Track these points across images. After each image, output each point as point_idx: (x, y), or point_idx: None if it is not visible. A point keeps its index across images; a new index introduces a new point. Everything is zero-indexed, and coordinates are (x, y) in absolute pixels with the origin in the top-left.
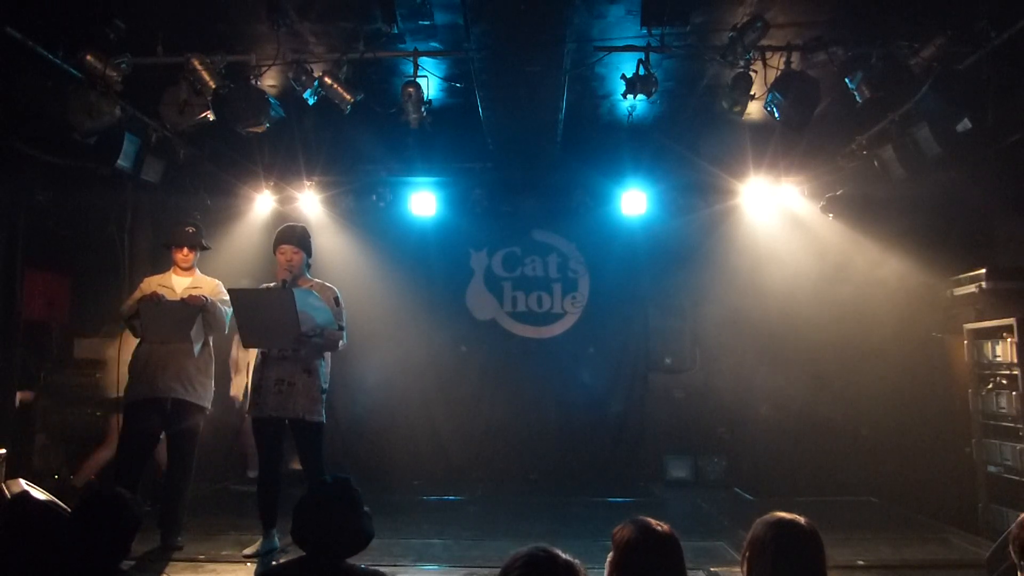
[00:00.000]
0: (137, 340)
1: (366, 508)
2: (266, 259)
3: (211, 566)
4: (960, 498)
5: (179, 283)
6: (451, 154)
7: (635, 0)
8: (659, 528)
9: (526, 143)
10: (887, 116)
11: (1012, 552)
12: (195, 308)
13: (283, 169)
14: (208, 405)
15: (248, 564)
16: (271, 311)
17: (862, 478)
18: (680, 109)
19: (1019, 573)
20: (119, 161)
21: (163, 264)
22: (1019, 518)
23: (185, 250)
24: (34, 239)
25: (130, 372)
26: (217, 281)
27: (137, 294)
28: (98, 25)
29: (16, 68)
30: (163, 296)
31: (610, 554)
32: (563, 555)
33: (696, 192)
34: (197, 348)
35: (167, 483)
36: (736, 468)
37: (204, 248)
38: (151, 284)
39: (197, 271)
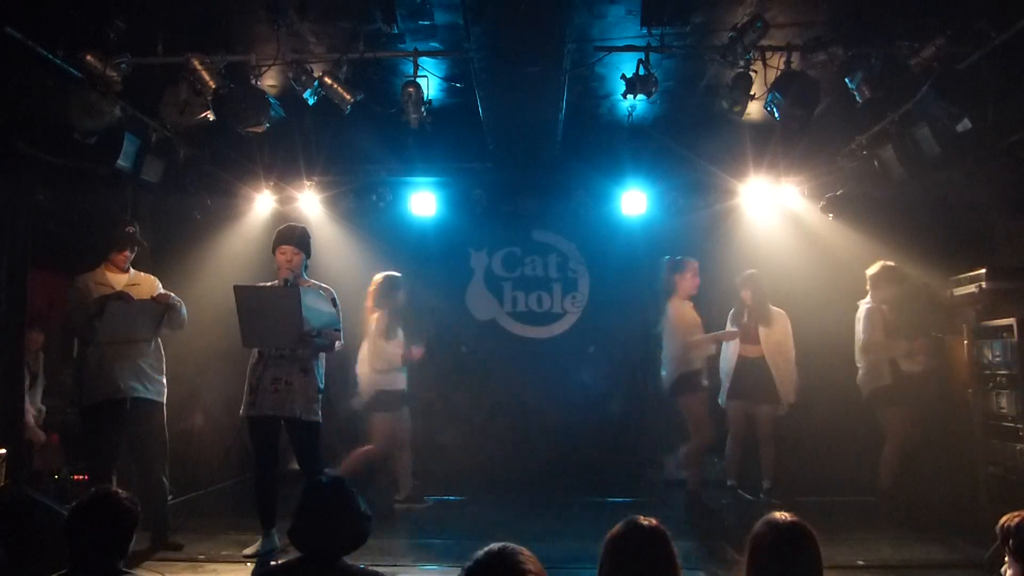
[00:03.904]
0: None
1: (363, 507)
2: (266, 259)
3: (211, 566)
4: (960, 498)
5: (117, 280)
6: (451, 154)
7: (635, 0)
8: (646, 522)
9: (526, 143)
10: (887, 116)
11: (999, 536)
12: (163, 306)
13: (283, 169)
14: (164, 400)
15: (248, 564)
16: (275, 309)
17: (862, 478)
18: (680, 109)
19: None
20: (119, 161)
21: (163, 263)
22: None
23: (127, 252)
24: (34, 239)
25: (82, 375)
26: (155, 277)
27: (88, 293)
28: (98, 25)
29: (16, 68)
30: (130, 295)
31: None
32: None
33: (696, 192)
34: (152, 345)
35: (148, 484)
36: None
37: (142, 246)
38: (88, 283)
39: (131, 268)
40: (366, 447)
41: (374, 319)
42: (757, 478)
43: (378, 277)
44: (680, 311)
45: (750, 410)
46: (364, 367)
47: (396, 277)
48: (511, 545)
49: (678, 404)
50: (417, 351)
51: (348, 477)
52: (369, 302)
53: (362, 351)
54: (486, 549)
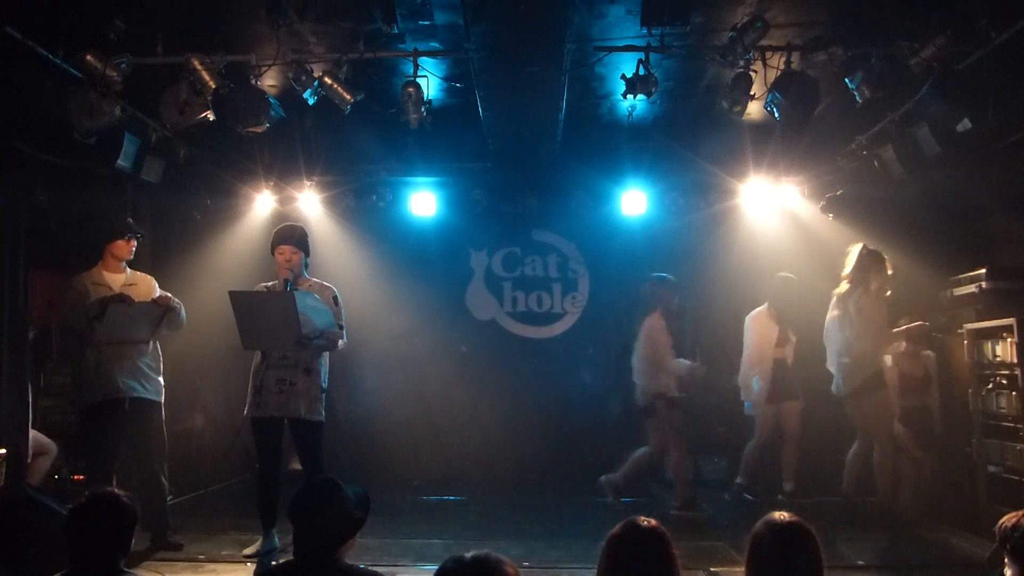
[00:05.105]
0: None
1: (352, 500)
2: (266, 259)
3: (211, 566)
4: (960, 498)
5: (115, 280)
6: (451, 154)
7: (635, 0)
8: (645, 523)
9: (526, 143)
10: (887, 116)
11: (997, 536)
12: (163, 308)
13: (283, 169)
14: (163, 400)
15: (248, 564)
16: (272, 314)
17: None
18: (680, 109)
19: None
20: (119, 161)
21: (163, 263)
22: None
23: (125, 241)
24: (34, 239)
25: (81, 375)
26: (151, 278)
27: (86, 294)
28: (98, 25)
29: (16, 68)
30: (131, 297)
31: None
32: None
33: (696, 192)
34: (151, 345)
35: (148, 484)
36: (736, 468)
37: (142, 235)
38: (85, 283)
39: (128, 268)
40: (640, 451)
41: (648, 321)
42: (757, 478)
43: (650, 281)
44: (876, 306)
45: (778, 412)
46: (642, 369)
47: (670, 280)
48: (481, 552)
49: (859, 407)
50: (702, 369)
51: (628, 482)
52: (646, 305)
53: (637, 354)
54: (456, 557)
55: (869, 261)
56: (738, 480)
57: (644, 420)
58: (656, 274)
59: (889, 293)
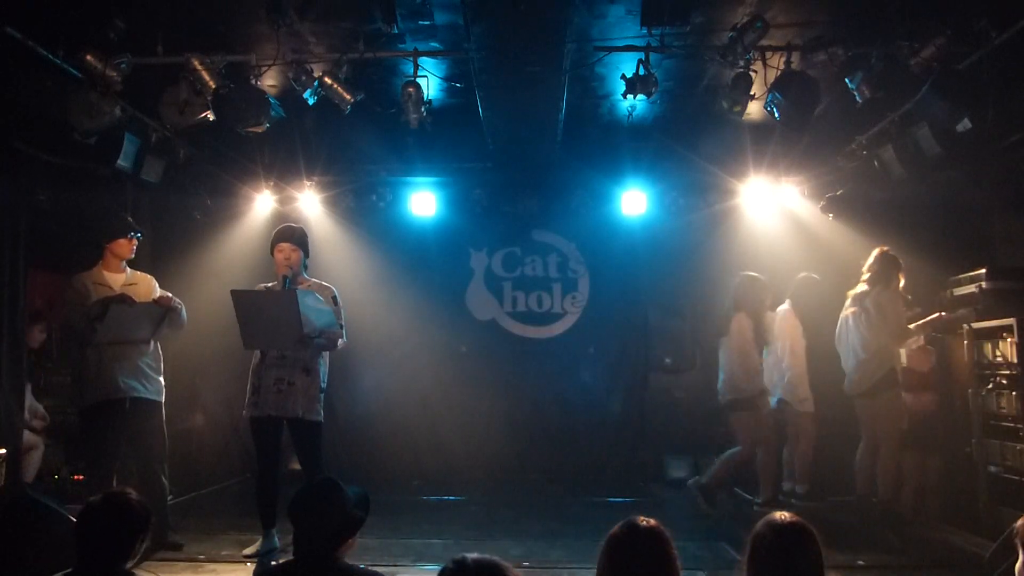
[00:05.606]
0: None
1: (352, 500)
2: (266, 259)
3: (211, 566)
4: (960, 498)
5: (115, 280)
6: (451, 154)
7: (635, 0)
8: (644, 523)
9: (526, 143)
10: (887, 116)
11: (1017, 542)
12: (164, 309)
13: (283, 169)
14: (163, 400)
15: (248, 564)
16: (274, 313)
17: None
18: (680, 109)
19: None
20: (119, 161)
21: (163, 263)
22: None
23: (135, 241)
24: (34, 239)
25: (82, 375)
26: (151, 277)
27: (87, 294)
28: (98, 25)
29: (16, 68)
30: (132, 297)
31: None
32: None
33: (696, 192)
34: (151, 345)
35: (148, 484)
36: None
37: (141, 232)
38: (86, 283)
39: (128, 268)
40: (732, 451)
41: (736, 320)
42: (757, 478)
43: (740, 278)
44: (895, 302)
45: (783, 413)
46: (729, 368)
47: (760, 279)
48: (485, 557)
49: (870, 405)
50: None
51: (719, 483)
52: (733, 303)
53: (725, 352)
54: (459, 559)
55: (889, 264)
56: (799, 489)
57: (727, 418)
58: (747, 272)
59: (910, 297)
